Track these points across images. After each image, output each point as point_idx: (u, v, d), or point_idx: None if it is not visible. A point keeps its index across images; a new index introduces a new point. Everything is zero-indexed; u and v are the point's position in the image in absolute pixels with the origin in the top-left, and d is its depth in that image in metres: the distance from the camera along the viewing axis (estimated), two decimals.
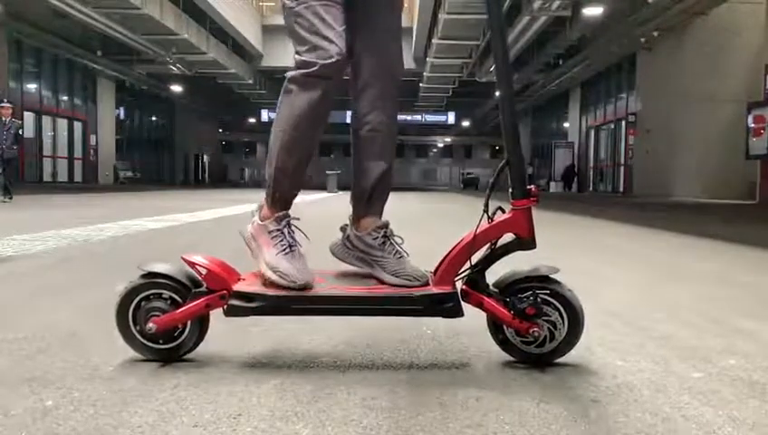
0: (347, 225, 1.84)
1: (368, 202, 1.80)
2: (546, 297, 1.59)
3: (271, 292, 1.58)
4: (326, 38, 1.61)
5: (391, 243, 1.75)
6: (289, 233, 1.70)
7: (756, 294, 2.94)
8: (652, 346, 1.86)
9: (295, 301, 1.58)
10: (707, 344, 1.89)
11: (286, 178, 1.72)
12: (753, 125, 16.40)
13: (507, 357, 1.66)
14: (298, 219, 1.76)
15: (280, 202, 1.73)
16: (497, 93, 1.58)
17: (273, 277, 1.61)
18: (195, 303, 1.57)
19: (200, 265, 1.58)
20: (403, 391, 1.44)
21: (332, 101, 1.70)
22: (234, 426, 1.23)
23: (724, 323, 2.22)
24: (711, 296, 2.78)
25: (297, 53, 1.65)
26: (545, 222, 7.04)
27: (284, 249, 1.66)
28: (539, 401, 1.38)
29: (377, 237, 1.75)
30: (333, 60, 1.60)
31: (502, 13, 1.59)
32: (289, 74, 1.67)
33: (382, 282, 1.69)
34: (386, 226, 1.78)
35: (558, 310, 1.60)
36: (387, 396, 1.40)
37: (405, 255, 1.74)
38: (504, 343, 1.65)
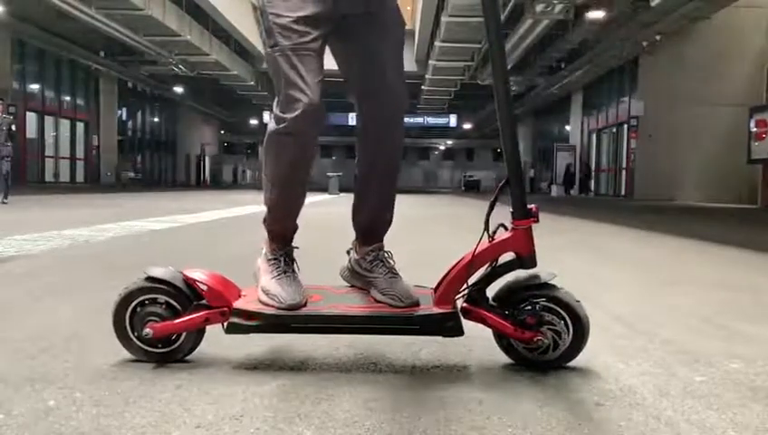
0: (351, 248, 1.89)
1: (363, 236, 1.86)
2: (546, 304, 1.60)
3: (270, 310, 1.60)
4: (297, 88, 1.59)
5: (383, 263, 1.79)
6: (285, 261, 1.75)
7: (757, 297, 2.93)
8: (654, 350, 1.86)
9: (294, 319, 1.60)
10: (709, 348, 1.89)
11: (278, 219, 1.79)
12: (755, 129, 16.36)
13: (510, 360, 1.66)
14: (297, 248, 1.82)
15: (277, 240, 1.79)
16: (497, 118, 1.56)
17: (264, 298, 1.65)
18: (195, 315, 1.60)
19: (201, 282, 1.61)
20: (405, 393, 1.44)
21: (312, 150, 1.72)
22: (236, 427, 1.23)
23: (725, 326, 2.22)
24: (712, 300, 2.77)
25: (276, 104, 1.66)
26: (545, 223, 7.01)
27: (278, 275, 1.71)
28: (542, 404, 1.38)
29: (368, 259, 1.81)
30: (299, 112, 1.58)
31: (500, 21, 1.58)
32: (269, 128, 1.69)
33: (375, 300, 1.73)
34: (378, 248, 1.83)
35: (561, 316, 1.60)
36: (389, 398, 1.40)
37: (397, 275, 1.77)
38: (509, 350, 1.65)
